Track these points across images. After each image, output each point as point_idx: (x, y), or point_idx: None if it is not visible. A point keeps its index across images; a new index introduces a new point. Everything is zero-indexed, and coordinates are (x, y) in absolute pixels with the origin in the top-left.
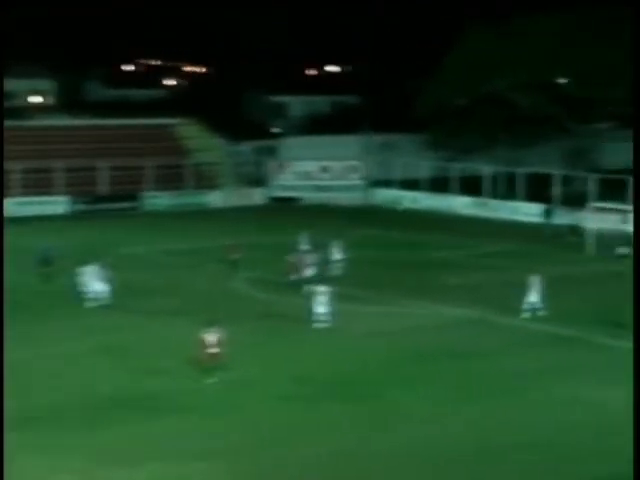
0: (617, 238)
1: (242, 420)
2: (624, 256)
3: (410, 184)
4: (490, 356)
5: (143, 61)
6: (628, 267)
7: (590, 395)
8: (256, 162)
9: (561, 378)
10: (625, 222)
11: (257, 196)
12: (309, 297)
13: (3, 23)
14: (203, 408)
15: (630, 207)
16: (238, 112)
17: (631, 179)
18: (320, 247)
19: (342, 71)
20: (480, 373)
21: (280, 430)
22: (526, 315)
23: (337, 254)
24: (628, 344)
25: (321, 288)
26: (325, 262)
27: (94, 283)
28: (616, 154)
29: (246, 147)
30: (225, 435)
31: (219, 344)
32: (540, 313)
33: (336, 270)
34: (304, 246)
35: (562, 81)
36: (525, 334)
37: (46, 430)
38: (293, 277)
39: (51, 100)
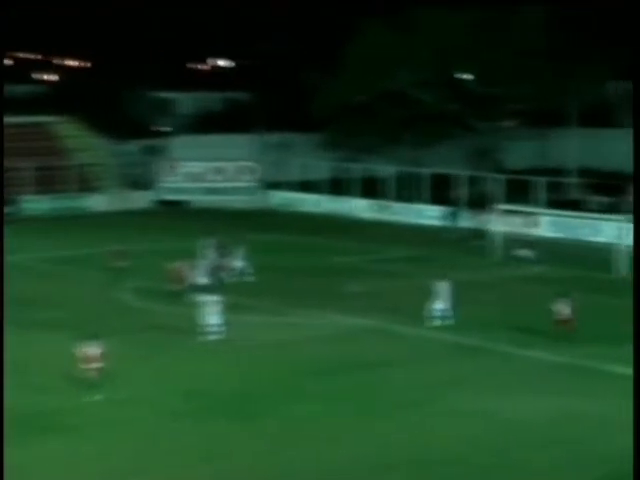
0: (522, 242)
1: (127, 439)
2: (523, 259)
3: (308, 186)
4: (393, 368)
5: (16, 54)
6: (531, 271)
7: (497, 407)
8: (142, 163)
9: (467, 390)
10: (530, 225)
11: (143, 199)
12: (199, 307)
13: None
14: (85, 427)
15: (536, 209)
16: (120, 109)
17: (539, 180)
18: (216, 253)
19: (234, 66)
20: (382, 386)
21: (169, 449)
22: (436, 323)
23: (233, 261)
24: (536, 353)
25: (212, 298)
26: (220, 269)
27: None
28: (521, 154)
29: (132, 147)
30: (109, 456)
31: (102, 358)
32: (447, 322)
33: (232, 278)
34: (204, 252)
35: (465, 77)
36: (430, 344)
37: None
38: (179, 286)
39: None
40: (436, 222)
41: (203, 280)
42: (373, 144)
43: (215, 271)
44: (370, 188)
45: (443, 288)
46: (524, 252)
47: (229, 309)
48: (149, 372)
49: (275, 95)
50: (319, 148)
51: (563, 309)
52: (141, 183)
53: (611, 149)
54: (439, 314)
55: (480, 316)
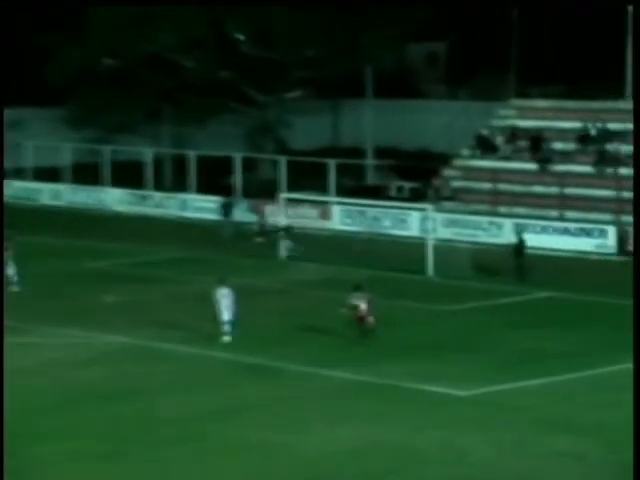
0: (313, 237)
1: None
2: (295, 257)
3: (47, 174)
4: (156, 396)
5: None
6: (323, 273)
7: (287, 439)
8: None
9: (250, 420)
10: (321, 217)
11: None
12: None
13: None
14: None
15: (327, 198)
16: None
17: (330, 162)
18: None
19: None
20: (141, 419)
21: None
22: (226, 339)
23: None
24: (334, 372)
25: None
26: None
27: None
28: (308, 131)
29: None
30: None
31: None
32: (227, 337)
33: None
34: None
35: (238, 38)
36: (205, 365)
37: None
38: None
39: None
40: (207, 215)
41: None
42: (128, 121)
43: None
44: (124, 175)
45: (222, 296)
46: (291, 248)
47: None
48: None
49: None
50: (59, 126)
51: (360, 304)
52: None
53: (415, 124)
54: (220, 328)
55: (265, 329)
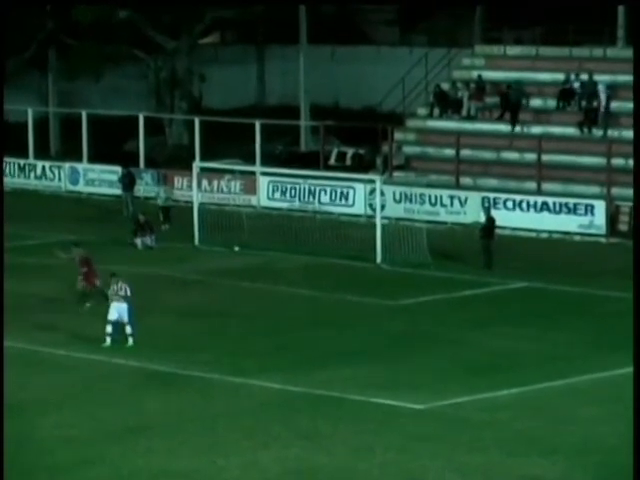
0: (236, 218)
1: None
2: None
3: None
4: (42, 412)
5: None
6: (251, 260)
7: (199, 465)
8: None
9: (153, 441)
10: (246, 191)
11: None
12: None
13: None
14: None
15: (251, 167)
16: None
17: (253, 123)
18: None
19: None
20: (28, 439)
21: None
22: (106, 343)
23: None
24: (265, 383)
25: None
26: None
27: None
28: (227, 85)
29: None
30: None
31: None
32: (125, 341)
33: None
34: None
35: None
36: (97, 374)
37: None
38: None
39: None
40: (104, 189)
41: None
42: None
43: None
44: None
45: (121, 290)
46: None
47: None
48: None
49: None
50: None
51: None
52: None
53: (360, 76)
54: (111, 330)
55: (175, 329)
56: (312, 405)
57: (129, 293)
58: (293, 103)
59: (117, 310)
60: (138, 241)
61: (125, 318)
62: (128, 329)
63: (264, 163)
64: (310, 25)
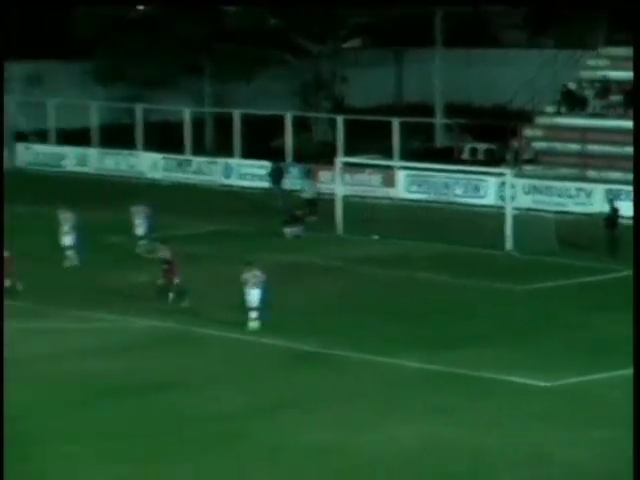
0: (375, 209)
1: None
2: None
3: (73, 136)
4: (200, 387)
5: None
6: (390, 249)
7: (346, 437)
8: None
9: (301, 415)
10: (386, 184)
11: None
12: None
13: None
14: None
15: (390, 162)
16: None
17: (393, 121)
18: None
19: None
20: (179, 414)
21: None
22: (253, 326)
23: None
24: (393, 360)
25: None
26: None
27: None
28: (369, 86)
29: None
30: None
31: None
32: (252, 324)
33: None
34: None
35: None
36: (251, 353)
37: None
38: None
39: None
40: (253, 183)
41: None
42: (162, 76)
43: None
44: (159, 137)
45: (256, 277)
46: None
47: None
48: None
49: (17, 8)
50: (86, 82)
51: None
52: None
53: (491, 77)
54: (255, 314)
55: (320, 313)
56: (445, 382)
57: (263, 280)
58: (429, 102)
59: (252, 295)
60: (287, 230)
61: (255, 303)
62: (253, 314)
63: (402, 158)
64: (445, 29)
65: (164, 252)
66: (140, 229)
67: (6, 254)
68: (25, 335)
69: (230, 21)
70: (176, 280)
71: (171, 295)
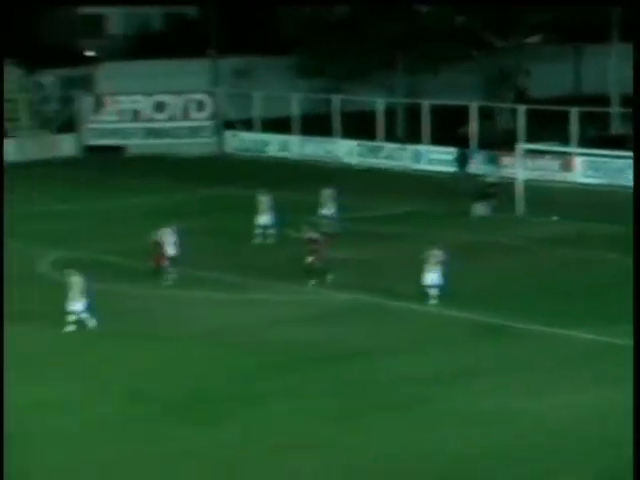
0: (554, 192)
1: (60, 454)
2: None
3: (276, 124)
4: (389, 355)
5: None
6: (568, 229)
7: (529, 403)
8: (63, 98)
9: (488, 381)
10: (564, 169)
11: (66, 145)
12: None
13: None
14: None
15: (569, 149)
16: (35, 30)
17: (572, 111)
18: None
19: None
20: (374, 379)
21: (116, 464)
22: (432, 302)
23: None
24: (570, 332)
25: (73, 278)
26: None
27: None
28: (548, 78)
29: (49, 78)
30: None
31: None
32: (432, 301)
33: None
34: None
35: None
36: (436, 324)
37: None
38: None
39: None
40: (440, 168)
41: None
42: (358, 70)
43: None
44: (354, 126)
45: (436, 256)
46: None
47: (174, 284)
48: (79, 368)
49: (230, 8)
50: (289, 75)
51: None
52: (63, 124)
53: None
54: (432, 289)
55: (504, 288)
56: (616, 354)
57: (443, 260)
58: (605, 93)
59: (432, 273)
60: (477, 207)
61: (435, 281)
62: (432, 291)
63: (579, 145)
64: (622, 25)
65: (311, 233)
66: (327, 210)
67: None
68: (233, 306)
69: (422, 20)
70: (322, 259)
71: (319, 273)
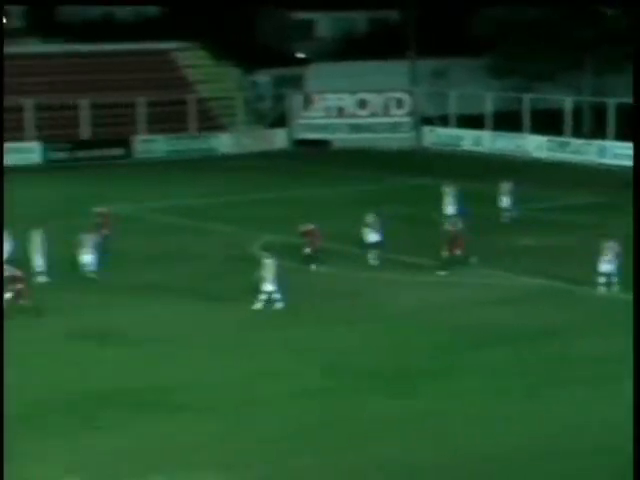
0: None
1: (266, 419)
2: None
3: (470, 121)
4: (577, 336)
5: None
6: None
7: None
8: (276, 96)
9: None
10: None
11: (278, 139)
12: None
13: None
14: (220, 405)
15: None
16: (251, 33)
17: None
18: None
19: None
20: (560, 358)
21: (317, 433)
22: (602, 290)
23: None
24: None
25: (267, 260)
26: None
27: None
28: None
29: (263, 77)
30: (243, 439)
31: None
32: (601, 289)
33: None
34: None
35: None
36: (618, 309)
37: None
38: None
39: (18, 22)
40: (625, 162)
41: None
42: (549, 70)
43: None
44: (543, 122)
45: (611, 248)
46: None
47: (374, 267)
48: (283, 342)
49: (429, 13)
50: (483, 75)
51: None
52: (275, 120)
53: None
54: (604, 278)
55: None
56: None
57: (617, 251)
58: None
59: (605, 263)
60: None
61: (608, 270)
62: (602, 279)
63: None
64: None
65: (454, 226)
66: (504, 202)
67: (309, 227)
68: (428, 288)
69: (611, 23)
70: (459, 251)
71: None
